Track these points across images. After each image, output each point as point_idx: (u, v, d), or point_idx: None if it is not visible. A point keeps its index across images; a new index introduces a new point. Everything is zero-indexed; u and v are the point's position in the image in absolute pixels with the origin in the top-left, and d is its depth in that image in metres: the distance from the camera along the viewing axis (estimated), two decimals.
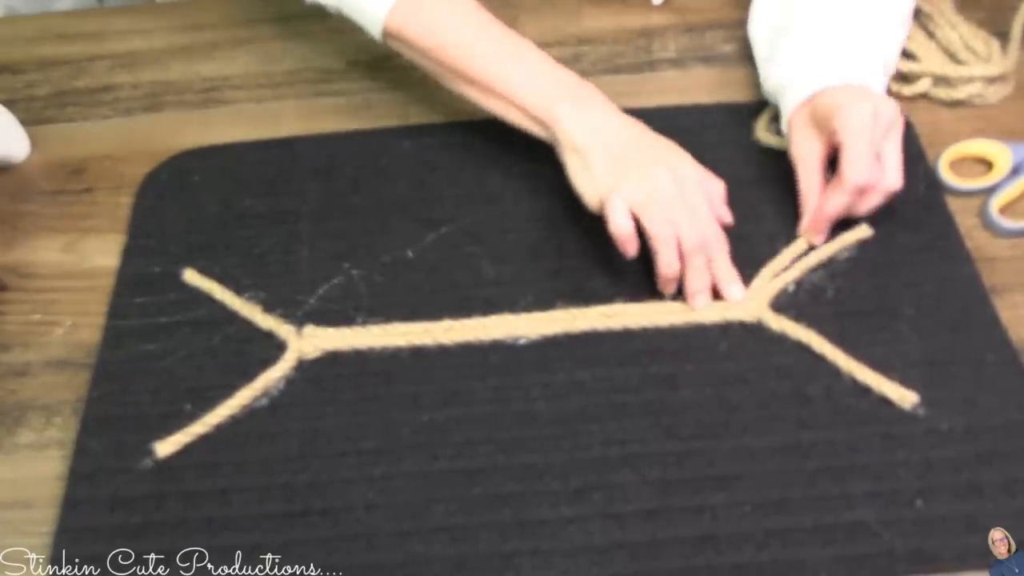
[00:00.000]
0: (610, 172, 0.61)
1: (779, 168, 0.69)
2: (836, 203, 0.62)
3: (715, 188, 0.64)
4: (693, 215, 0.60)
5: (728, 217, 0.64)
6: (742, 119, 0.73)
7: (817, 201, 0.63)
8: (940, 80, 0.73)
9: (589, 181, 0.62)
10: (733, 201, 0.64)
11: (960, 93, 0.72)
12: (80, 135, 0.77)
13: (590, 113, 0.63)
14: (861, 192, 0.61)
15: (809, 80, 0.64)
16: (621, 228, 0.60)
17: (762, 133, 0.71)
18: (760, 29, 0.74)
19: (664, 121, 0.72)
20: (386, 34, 0.67)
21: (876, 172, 0.61)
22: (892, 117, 0.61)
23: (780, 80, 0.67)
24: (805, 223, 0.64)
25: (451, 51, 0.65)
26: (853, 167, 0.60)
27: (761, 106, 0.73)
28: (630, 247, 0.60)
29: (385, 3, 0.66)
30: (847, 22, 0.67)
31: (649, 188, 0.60)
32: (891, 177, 0.61)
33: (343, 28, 0.83)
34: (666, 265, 0.60)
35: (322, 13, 0.72)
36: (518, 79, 0.64)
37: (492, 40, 0.65)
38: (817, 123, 0.64)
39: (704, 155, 0.65)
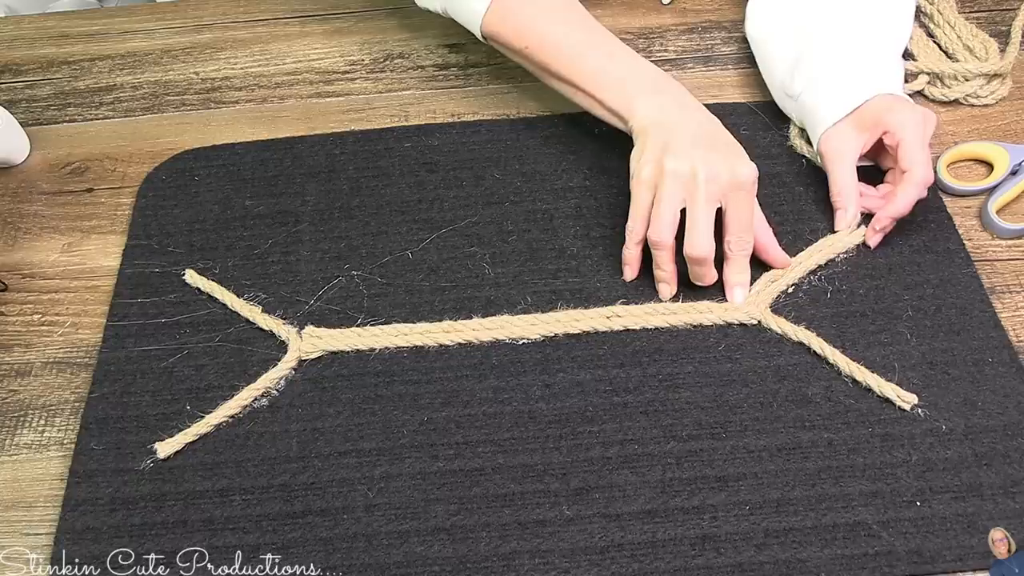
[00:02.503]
0: (654, 154, 0.62)
1: (779, 169, 0.69)
2: (908, 200, 0.62)
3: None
4: (706, 224, 0.60)
5: (760, 236, 0.63)
6: (741, 120, 0.73)
7: (856, 197, 0.65)
8: (935, 78, 0.73)
9: (637, 156, 0.63)
10: None
11: (955, 92, 0.73)
12: (81, 135, 0.77)
13: (664, 105, 0.64)
14: (926, 187, 0.62)
15: (848, 97, 0.65)
16: (627, 254, 0.63)
17: (796, 140, 0.70)
18: (760, 30, 0.74)
19: None
20: (485, 35, 0.70)
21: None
22: (934, 123, 0.64)
23: (814, 97, 0.67)
24: (848, 219, 0.64)
25: (540, 50, 0.67)
26: (921, 163, 0.62)
27: (760, 107, 0.74)
28: (628, 271, 0.63)
29: (482, 6, 0.68)
30: (868, 30, 0.68)
31: (676, 186, 0.60)
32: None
33: (343, 28, 0.84)
34: (655, 266, 0.62)
35: (427, 13, 0.75)
36: (601, 76, 0.66)
37: (578, 38, 0.67)
38: (860, 124, 0.65)
39: None
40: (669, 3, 0.83)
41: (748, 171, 0.61)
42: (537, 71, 0.70)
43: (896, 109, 0.64)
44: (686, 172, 0.60)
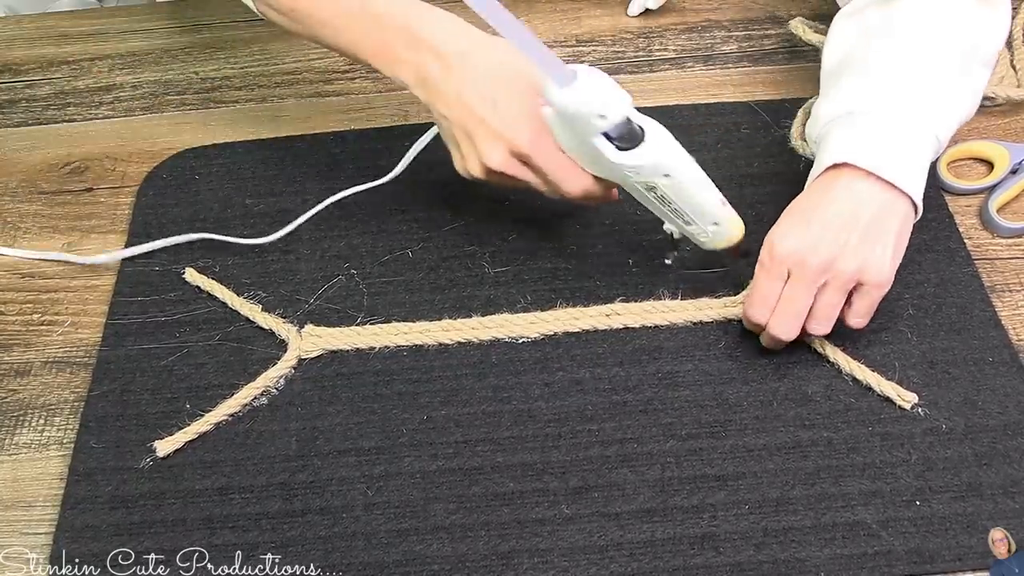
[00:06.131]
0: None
1: (779, 169, 0.69)
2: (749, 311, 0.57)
3: None
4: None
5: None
6: (742, 119, 0.73)
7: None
8: None
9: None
10: (733, 200, 0.64)
11: None
12: (80, 135, 0.77)
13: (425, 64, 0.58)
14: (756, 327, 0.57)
15: (832, 153, 0.57)
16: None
17: (798, 142, 0.70)
18: (827, 60, 0.65)
19: (663, 120, 0.72)
20: (260, 10, 0.64)
21: (762, 315, 0.56)
22: (815, 270, 0.54)
23: (817, 136, 0.60)
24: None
25: (316, 28, 0.61)
26: (747, 302, 0.57)
27: (760, 106, 0.73)
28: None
29: None
30: (898, 90, 0.57)
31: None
32: (814, 326, 0.56)
33: None
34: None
35: None
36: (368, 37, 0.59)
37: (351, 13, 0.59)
38: None
39: (703, 154, 0.65)
40: (637, 14, 0.83)
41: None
42: (311, 39, 0.63)
43: (783, 228, 0.55)
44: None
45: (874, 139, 0.56)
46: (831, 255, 0.54)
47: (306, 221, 0.68)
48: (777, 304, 0.56)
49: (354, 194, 0.67)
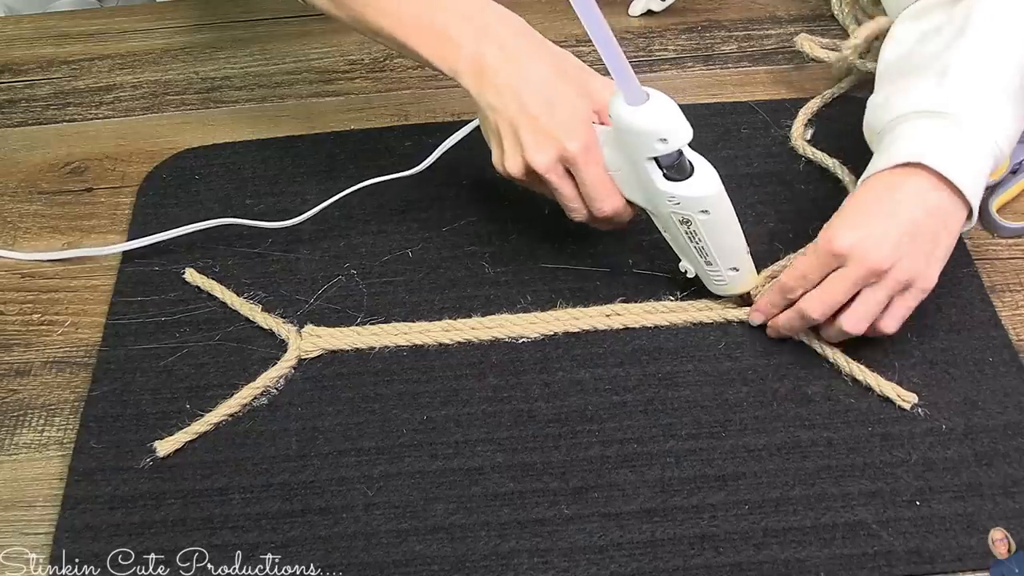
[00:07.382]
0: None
1: (779, 168, 0.69)
2: (762, 304, 0.59)
3: None
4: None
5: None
6: (741, 119, 0.73)
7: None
8: None
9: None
10: (733, 199, 0.64)
11: None
12: (80, 135, 0.77)
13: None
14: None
15: (906, 150, 0.55)
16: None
17: (798, 142, 0.70)
18: (888, 56, 0.63)
19: None
20: None
21: (798, 287, 0.56)
22: (873, 268, 0.52)
23: (882, 128, 0.59)
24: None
25: (361, 10, 0.59)
26: (785, 274, 0.57)
27: (760, 106, 0.73)
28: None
29: None
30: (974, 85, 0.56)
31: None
32: (852, 323, 0.55)
33: (342, 28, 0.84)
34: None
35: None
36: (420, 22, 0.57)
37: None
38: None
39: (704, 154, 0.65)
40: (638, 14, 0.82)
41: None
42: (362, 30, 0.61)
43: (838, 225, 0.54)
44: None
45: (952, 144, 0.54)
46: (893, 258, 0.53)
47: (309, 218, 0.68)
48: (816, 288, 0.54)
49: (364, 188, 0.67)
